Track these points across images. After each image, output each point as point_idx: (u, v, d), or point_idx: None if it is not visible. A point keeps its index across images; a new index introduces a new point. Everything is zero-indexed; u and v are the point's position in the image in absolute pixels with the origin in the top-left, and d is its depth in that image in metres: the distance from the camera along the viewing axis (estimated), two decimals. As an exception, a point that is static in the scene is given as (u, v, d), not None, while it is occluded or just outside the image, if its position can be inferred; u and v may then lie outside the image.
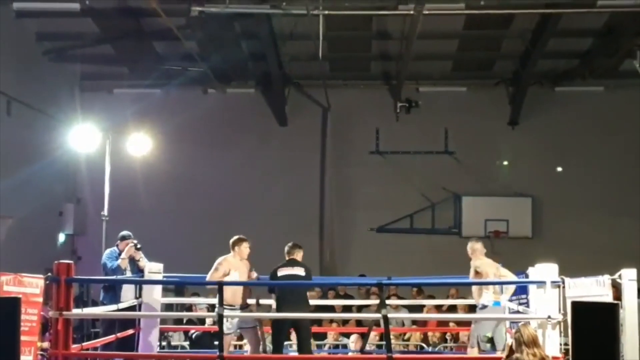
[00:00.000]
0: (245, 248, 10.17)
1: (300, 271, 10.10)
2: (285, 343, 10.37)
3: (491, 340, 9.97)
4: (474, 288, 10.42)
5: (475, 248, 10.51)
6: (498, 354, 9.82)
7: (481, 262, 10.34)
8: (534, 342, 7.46)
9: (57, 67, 18.03)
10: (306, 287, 10.39)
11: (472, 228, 18.68)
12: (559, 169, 18.89)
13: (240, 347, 11.76)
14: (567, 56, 18.13)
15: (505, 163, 19.05)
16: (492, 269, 10.24)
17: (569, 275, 8.98)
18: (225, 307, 9.33)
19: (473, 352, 10.13)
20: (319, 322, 13.32)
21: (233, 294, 9.98)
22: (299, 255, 10.31)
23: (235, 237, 10.29)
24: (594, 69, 18.09)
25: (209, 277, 10.10)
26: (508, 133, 19.01)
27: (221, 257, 10.22)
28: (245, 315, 10.09)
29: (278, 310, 10.02)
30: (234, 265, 10.08)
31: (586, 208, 18.28)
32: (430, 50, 17.36)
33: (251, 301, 11.73)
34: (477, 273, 10.23)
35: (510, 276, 10.25)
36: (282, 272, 10.09)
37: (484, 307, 10.17)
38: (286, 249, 10.34)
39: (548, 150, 18.75)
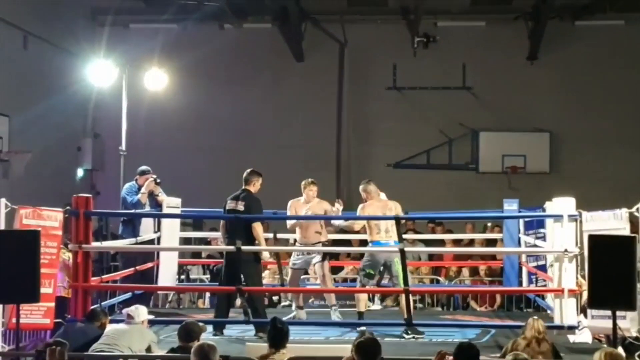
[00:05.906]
0: (309, 191, 10.55)
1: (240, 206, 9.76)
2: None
3: (371, 276, 10.01)
4: (369, 226, 10.20)
5: (369, 190, 10.32)
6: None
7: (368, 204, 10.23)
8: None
9: (74, 1, 17.91)
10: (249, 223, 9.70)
11: (489, 164, 18.66)
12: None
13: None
14: (588, -11, 17.87)
15: (524, 98, 18.90)
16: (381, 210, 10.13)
17: (586, 210, 8.98)
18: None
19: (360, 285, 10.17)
20: (336, 255, 13.40)
21: (300, 232, 10.59)
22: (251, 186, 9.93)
23: (304, 181, 10.65)
24: (614, 2, 17.81)
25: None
26: (527, 68, 18.81)
27: (291, 200, 10.70)
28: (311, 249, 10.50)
29: None
30: (298, 207, 10.63)
31: (604, 143, 18.16)
32: (448, -16, 17.19)
33: (268, 235, 11.83)
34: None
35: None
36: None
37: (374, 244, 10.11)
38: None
39: (567, 85, 18.55)
